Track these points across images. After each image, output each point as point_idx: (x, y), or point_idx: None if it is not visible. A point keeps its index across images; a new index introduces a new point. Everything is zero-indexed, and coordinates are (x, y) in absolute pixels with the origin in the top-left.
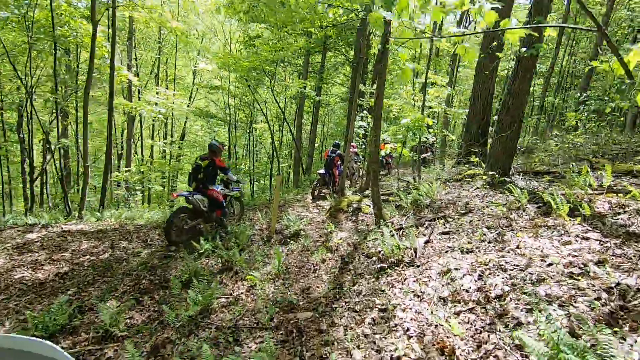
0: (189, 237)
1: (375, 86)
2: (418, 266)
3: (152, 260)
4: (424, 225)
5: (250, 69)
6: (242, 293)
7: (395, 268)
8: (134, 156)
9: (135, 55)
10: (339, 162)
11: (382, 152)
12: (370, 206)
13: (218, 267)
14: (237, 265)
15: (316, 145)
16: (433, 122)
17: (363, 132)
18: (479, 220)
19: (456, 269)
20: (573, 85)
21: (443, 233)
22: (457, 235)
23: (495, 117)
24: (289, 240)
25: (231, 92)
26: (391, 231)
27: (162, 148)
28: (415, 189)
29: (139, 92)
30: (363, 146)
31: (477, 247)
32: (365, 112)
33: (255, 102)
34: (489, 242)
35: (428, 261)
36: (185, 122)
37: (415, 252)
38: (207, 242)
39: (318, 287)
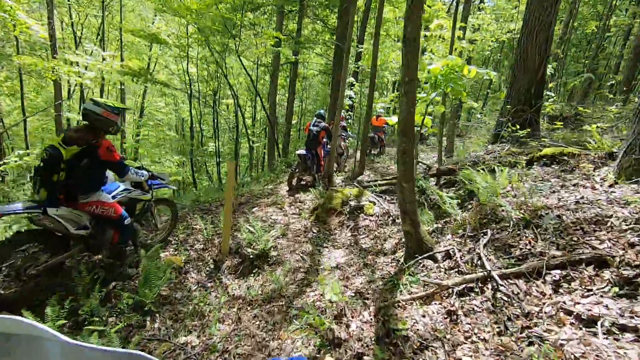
0: (40, 289)
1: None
2: None
3: None
4: (547, 280)
5: (199, 14)
6: None
7: None
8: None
9: (70, 13)
10: (324, 139)
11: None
12: (375, 203)
13: None
14: None
15: (294, 122)
16: (477, 72)
17: (350, 103)
18: None
19: None
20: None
21: None
22: None
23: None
24: (250, 272)
25: (191, 56)
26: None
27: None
28: (469, 180)
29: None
30: (350, 120)
31: None
32: (351, 78)
33: (219, 69)
34: None
35: None
36: (144, 95)
37: None
38: (62, 307)
39: None
